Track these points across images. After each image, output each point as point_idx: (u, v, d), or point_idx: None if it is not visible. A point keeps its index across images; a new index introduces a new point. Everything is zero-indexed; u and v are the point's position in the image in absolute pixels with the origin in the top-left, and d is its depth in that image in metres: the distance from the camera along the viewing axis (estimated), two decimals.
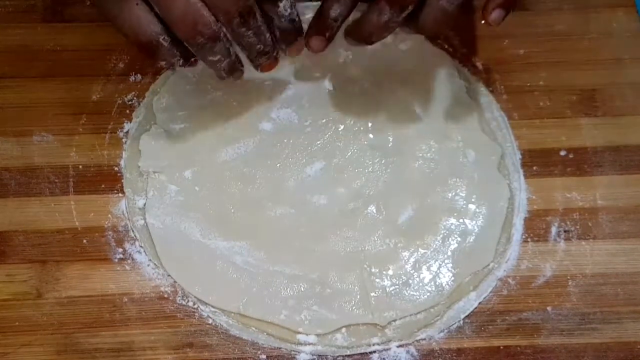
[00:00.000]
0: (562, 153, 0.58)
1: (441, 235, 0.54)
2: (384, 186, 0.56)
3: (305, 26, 0.52)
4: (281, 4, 0.48)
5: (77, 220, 0.54)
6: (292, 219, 0.55)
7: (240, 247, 0.54)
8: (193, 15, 0.46)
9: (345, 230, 0.54)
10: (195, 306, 0.52)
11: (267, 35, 0.49)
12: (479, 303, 0.53)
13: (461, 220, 0.55)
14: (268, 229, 0.54)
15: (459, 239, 0.54)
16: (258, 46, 0.49)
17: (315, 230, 0.54)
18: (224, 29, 0.48)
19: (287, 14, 0.49)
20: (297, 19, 0.50)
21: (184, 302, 0.53)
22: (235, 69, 0.52)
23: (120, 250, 0.54)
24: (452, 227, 0.55)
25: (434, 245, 0.54)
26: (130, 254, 0.54)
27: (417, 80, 0.58)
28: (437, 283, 0.53)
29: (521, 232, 0.55)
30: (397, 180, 0.56)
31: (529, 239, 0.55)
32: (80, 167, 0.56)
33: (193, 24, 0.46)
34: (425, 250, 0.54)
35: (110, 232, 0.54)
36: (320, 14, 0.51)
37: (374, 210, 0.55)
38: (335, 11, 0.50)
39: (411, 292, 0.53)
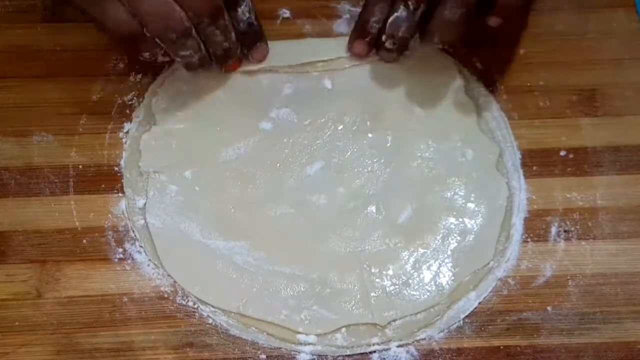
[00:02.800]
0: (562, 153, 0.58)
1: (441, 235, 0.54)
2: (384, 186, 0.56)
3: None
4: (240, 9, 0.52)
5: (77, 220, 0.54)
6: (292, 218, 0.55)
7: (240, 247, 0.54)
8: (164, 11, 0.48)
9: (345, 230, 0.54)
10: (195, 306, 0.52)
11: (232, 34, 0.52)
12: (479, 303, 0.53)
13: (460, 219, 0.55)
14: (268, 229, 0.54)
15: (458, 238, 0.54)
16: (225, 44, 0.52)
17: (315, 230, 0.54)
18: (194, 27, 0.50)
19: (245, 18, 0.53)
20: (255, 22, 0.54)
21: (184, 302, 0.52)
22: (205, 62, 0.54)
23: (120, 250, 0.54)
24: (452, 226, 0.55)
25: (434, 245, 0.54)
26: (130, 254, 0.54)
27: (416, 80, 0.58)
28: (437, 282, 0.53)
29: (521, 232, 0.55)
30: (396, 180, 0.56)
31: (528, 239, 0.55)
32: (80, 167, 0.56)
33: (164, 20, 0.48)
34: (425, 250, 0.54)
35: (110, 232, 0.54)
36: (360, 19, 0.54)
37: (374, 210, 0.55)
38: (373, 14, 0.53)
39: (411, 292, 0.53)
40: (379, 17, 0.54)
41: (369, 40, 0.55)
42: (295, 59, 0.58)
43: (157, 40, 0.50)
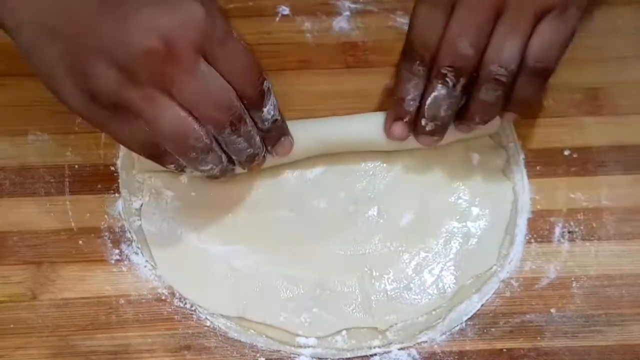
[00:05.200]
0: (566, 153, 0.57)
1: (443, 238, 0.54)
2: (385, 189, 0.55)
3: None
4: (265, 109, 0.48)
5: (72, 220, 0.54)
6: (292, 222, 0.54)
7: (238, 250, 0.53)
8: (184, 130, 0.44)
9: (345, 233, 0.54)
10: (193, 308, 0.52)
11: (257, 138, 0.48)
12: (482, 305, 0.52)
13: (463, 223, 0.54)
14: (267, 233, 0.54)
15: (461, 241, 0.54)
16: (248, 150, 0.48)
17: (316, 234, 0.54)
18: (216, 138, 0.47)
19: (270, 117, 0.48)
20: (279, 118, 0.49)
21: (181, 304, 0.52)
22: (227, 171, 0.50)
23: (117, 251, 0.53)
24: (455, 229, 0.54)
25: (436, 249, 0.54)
26: (126, 255, 0.53)
27: None
28: (439, 286, 0.53)
29: (524, 232, 0.55)
30: (398, 183, 0.55)
31: (532, 240, 0.54)
32: (76, 166, 0.56)
33: (184, 139, 0.45)
34: (427, 254, 0.54)
35: (106, 233, 0.54)
36: (395, 99, 0.51)
37: (375, 214, 0.54)
38: (408, 93, 0.50)
39: (412, 296, 0.52)
40: (414, 95, 0.50)
41: (408, 120, 0.52)
42: (323, 146, 0.54)
43: (177, 157, 0.47)
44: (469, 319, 0.52)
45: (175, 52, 0.42)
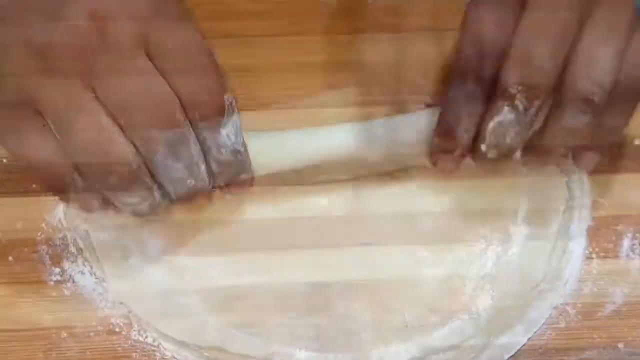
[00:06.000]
0: (637, 142, 0.51)
1: (475, 247, 0.49)
2: (403, 183, 0.50)
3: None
4: (223, 131, 0.41)
5: (0, 230, 0.49)
6: (283, 225, 0.49)
7: (216, 264, 0.48)
8: (104, 142, 0.38)
9: (351, 240, 0.49)
10: (156, 343, 0.46)
11: (202, 167, 0.42)
12: (529, 339, 0.47)
13: (501, 227, 0.49)
14: (254, 240, 0.48)
15: (498, 250, 0.48)
16: (189, 181, 0.42)
17: (313, 240, 0.49)
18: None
19: (229, 143, 0.42)
20: (241, 149, 0.43)
21: (141, 338, 0.47)
22: (157, 207, 0.43)
23: (57, 270, 0.48)
24: (490, 235, 0.49)
25: (467, 260, 0.48)
26: (70, 275, 0.48)
27: None
28: (471, 309, 0.47)
29: (584, 245, 0.49)
30: (419, 174, 0.50)
31: (593, 255, 0.49)
32: (5, 161, 0.50)
33: (103, 156, 0.39)
34: (456, 267, 0.48)
35: (44, 247, 0.48)
36: (443, 127, 0.45)
37: (390, 215, 0.49)
38: (460, 121, 0.43)
39: (436, 323, 0.47)
40: (468, 124, 0.43)
41: (459, 153, 0.45)
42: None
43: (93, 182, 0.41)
44: (512, 356, 0.46)
45: (108, 37, 0.37)
